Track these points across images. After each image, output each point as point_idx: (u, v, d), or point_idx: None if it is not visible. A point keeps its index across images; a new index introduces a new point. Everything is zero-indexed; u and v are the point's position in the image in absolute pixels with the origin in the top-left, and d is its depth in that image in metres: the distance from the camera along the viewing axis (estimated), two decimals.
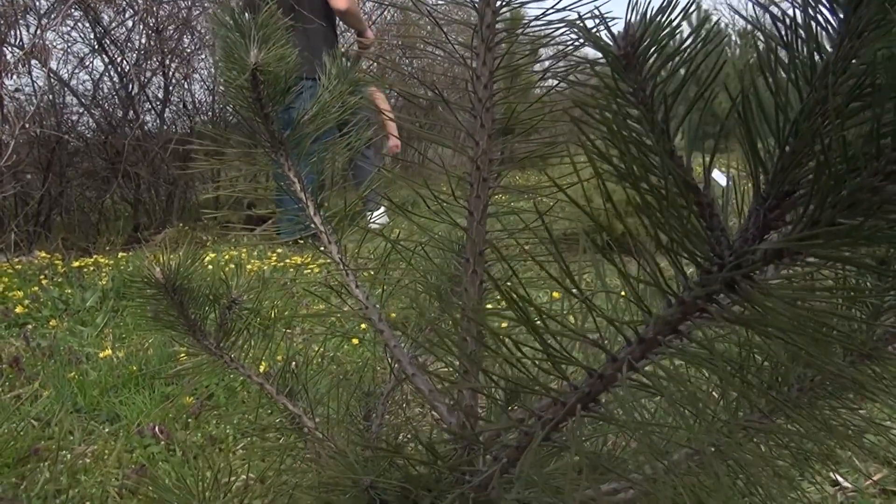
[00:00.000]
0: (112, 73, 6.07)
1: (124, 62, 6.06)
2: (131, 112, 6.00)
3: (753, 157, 0.39)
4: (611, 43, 0.40)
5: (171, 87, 6.42)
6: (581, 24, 0.41)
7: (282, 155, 0.92)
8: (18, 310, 3.15)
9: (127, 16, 5.88)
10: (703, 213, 0.40)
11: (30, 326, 3.06)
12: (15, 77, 5.17)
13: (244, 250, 4.35)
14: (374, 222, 4.20)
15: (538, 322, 0.40)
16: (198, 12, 6.35)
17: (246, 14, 0.91)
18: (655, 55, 0.40)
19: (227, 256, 4.24)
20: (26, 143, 5.52)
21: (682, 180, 0.40)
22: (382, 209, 4.28)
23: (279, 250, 4.27)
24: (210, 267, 3.97)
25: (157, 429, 2.07)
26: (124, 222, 5.78)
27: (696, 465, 0.67)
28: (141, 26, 6.03)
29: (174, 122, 6.71)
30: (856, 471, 1.68)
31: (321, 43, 4.47)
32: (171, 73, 6.35)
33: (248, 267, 3.97)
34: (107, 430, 2.15)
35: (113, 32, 5.95)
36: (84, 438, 2.11)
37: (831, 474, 1.66)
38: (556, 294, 1.86)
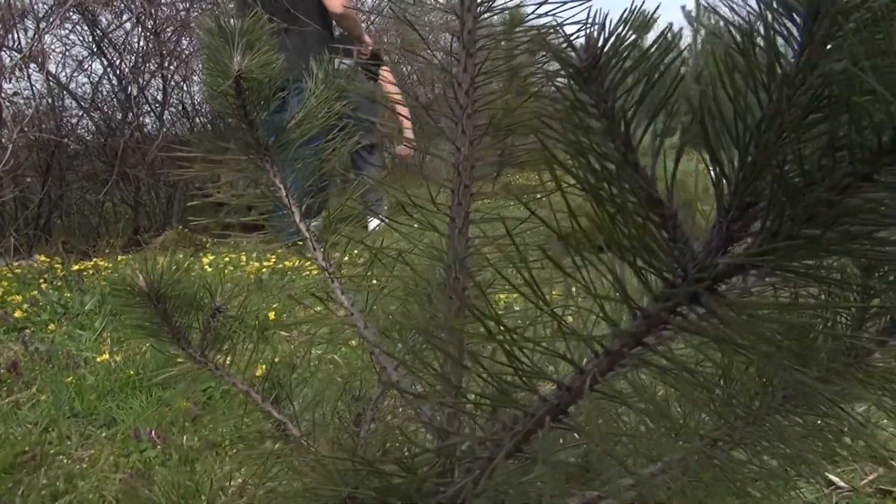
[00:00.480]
0: (111, 76, 6.08)
1: (123, 65, 6.07)
2: (130, 115, 6.01)
3: (715, 168, 0.38)
4: (572, 55, 0.40)
5: (169, 90, 6.43)
6: (543, 37, 0.41)
7: (267, 161, 0.92)
8: (17, 314, 3.15)
9: (125, 18, 5.89)
10: (666, 224, 0.40)
11: (28, 331, 3.06)
12: (14, 81, 5.18)
13: (243, 253, 4.36)
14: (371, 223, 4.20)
15: (508, 336, 0.40)
16: (196, 14, 6.35)
17: (232, 19, 0.91)
18: (617, 67, 0.40)
19: (226, 259, 4.25)
20: (26, 146, 5.54)
21: (646, 193, 0.40)
22: (384, 209, 4.26)
23: (279, 251, 4.27)
24: (209, 269, 3.97)
25: (153, 433, 2.07)
26: (124, 225, 5.79)
27: (679, 473, 0.67)
28: (139, 29, 6.04)
29: (174, 123, 6.72)
30: (851, 470, 1.68)
31: (316, 45, 4.46)
32: (169, 75, 6.36)
33: (248, 269, 3.98)
34: (104, 434, 2.15)
35: (111, 35, 5.96)
36: (81, 443, 2.11)
37: (827, 474, 1.65)
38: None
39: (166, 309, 0.81)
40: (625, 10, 0.41)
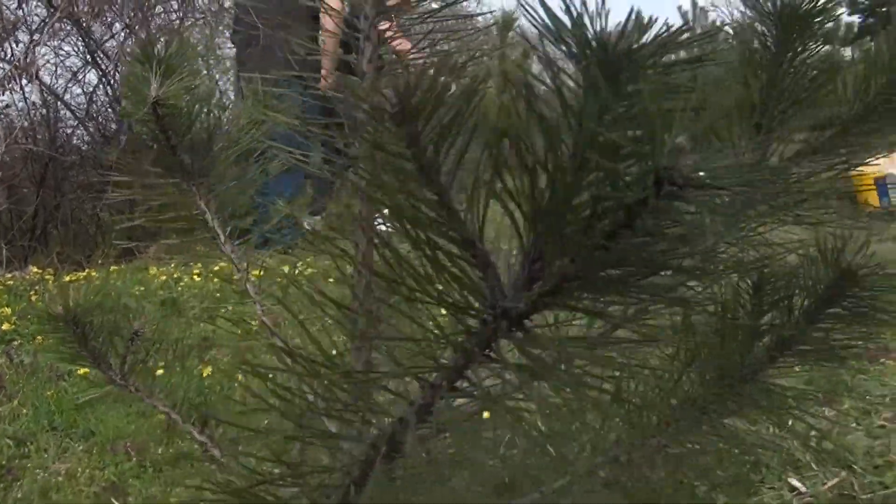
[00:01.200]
0: (106, 86, 6.11)
1: (117, 74, 6.10)
2: (125, 124, 6.04)
3: (517, 208, 0.39)
4: (384, 98, 0.41)
5: None
6: (351, 79, 0.42)
7: (193, 185, 0.93)
8: (5, 326, 3.17)
9: (117, 28, 5.92)
10: (479, 263, 0.41)
11: (16, 343, 3.08)
12: (8, 93, 5.21)
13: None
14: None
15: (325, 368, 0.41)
16: (189, 23, 6.39)
17: (159, 45, 0.92)
18: (429, 110, 0.41)
19: (216, 268, 4.26)
20: (21, 157, 5.57)
21: (459, 234, 0.41)
22: None
23: (268, 261, 4.27)
24: (197, 278, 3.99)
25: (128, 445, 2.09)
26: (117, 235, 5.82)
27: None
28: (132, 39, 6.06)
29: None
30: (814, 475, 1.68)
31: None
32: None
33: (236, 277, 3.98)
34: (81, 447, 2.17)
35: (105, 45, 5.99)
36: (59, 456, 2.13)
37: (789, 480, 1.66)
38: None
39: (85, 333, 0.82)
40: (440, 53, 0.42)
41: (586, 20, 0.36)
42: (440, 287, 0.41)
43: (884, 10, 10.25)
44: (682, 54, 0.38)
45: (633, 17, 0.36)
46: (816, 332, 0.69)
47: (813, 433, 1.83)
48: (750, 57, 0.70)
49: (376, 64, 0.73)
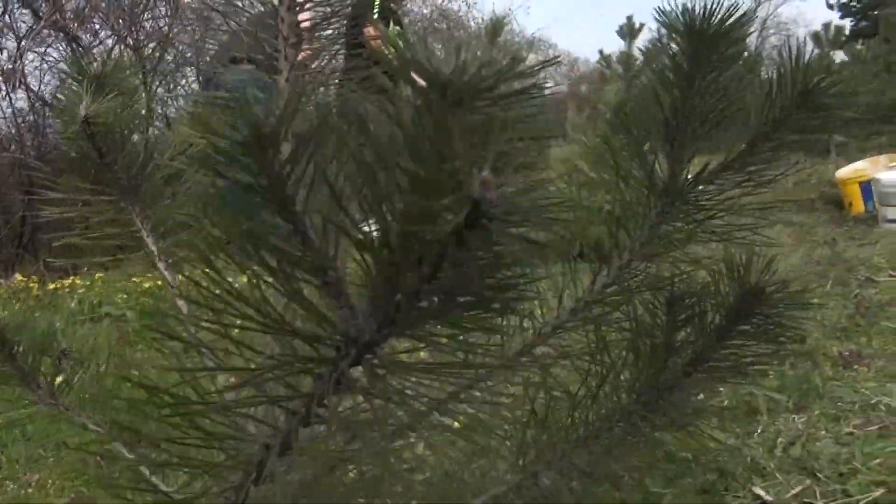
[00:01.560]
0: None
1: None
2: None
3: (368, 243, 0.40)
4: (236, 128, 0.41)
5: (153, 105, 6.46)
6: (199, 114, 0.42)
7: (129, 202, 0.93)
8: None
9: (104, 35, 5.92)
10: (331, 292, 0.41)
11: None
12: None
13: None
14: None
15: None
16: (177, 29, 6.40)
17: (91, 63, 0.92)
18: (284, 138, 0.41)
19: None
20: (8, 164, 5.57)
21: (312, 262, 0.41)
22: None
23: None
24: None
25: (99, 456, 2.08)
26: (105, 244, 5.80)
27: None
28: (121, 46, 6.07)
29: (157, 138, 6.73)
30: (779, 483, 1.68)
31: None
32: (153, 89, 6.39)
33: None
34: (52, 458, 2.17)
35: (93, 51, 5.99)
36: (30, 466, 2.13)
37: (753, 488, 1.66)
38: None
39: (13, 352, 0.82)
40: (298, 86, 0.42)
41: (424, 54, 0.36)
42: (296, 315, 0.41)
43: (874, 12, 10.27)
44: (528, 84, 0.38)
45: (462, 51, 0.36)
46: (727, 348, 0.69)
47: (780, 440, 1.83)
48: (662, 76, 0.70)
49: (293, 82, 0.73)
